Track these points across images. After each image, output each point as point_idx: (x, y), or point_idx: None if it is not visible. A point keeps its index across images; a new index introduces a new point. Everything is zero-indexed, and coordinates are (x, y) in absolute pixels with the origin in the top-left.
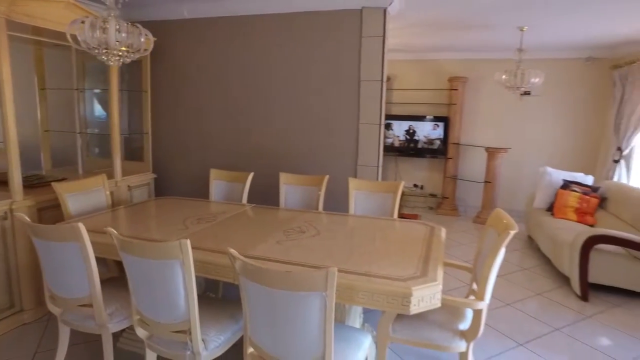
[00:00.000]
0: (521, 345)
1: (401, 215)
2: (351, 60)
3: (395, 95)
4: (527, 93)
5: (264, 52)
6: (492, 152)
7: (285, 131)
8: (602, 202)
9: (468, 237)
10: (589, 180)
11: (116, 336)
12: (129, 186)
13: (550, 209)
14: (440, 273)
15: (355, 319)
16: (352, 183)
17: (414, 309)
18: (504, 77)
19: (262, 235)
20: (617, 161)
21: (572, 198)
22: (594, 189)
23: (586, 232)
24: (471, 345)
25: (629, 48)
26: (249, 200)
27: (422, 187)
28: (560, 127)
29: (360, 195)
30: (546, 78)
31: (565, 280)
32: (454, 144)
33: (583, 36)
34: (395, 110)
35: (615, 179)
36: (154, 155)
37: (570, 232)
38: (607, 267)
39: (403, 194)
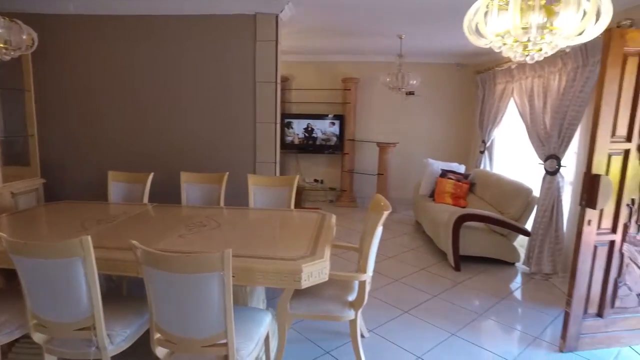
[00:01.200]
0: (406, 312)
1: (302, 209)
2: (247, 62)
3: (294, 95)
4: (411, 93)
5: (166, 53)
6: (382, 147)
7: (188, 131)
8: (472, 187)
9: (362, 225)
10: (461, 169)
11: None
12: (12, 193)
13: (432, 195)
14: (327, 252)
15: (259, 303)
16: (251, 179)
17: (305, 284)
18: (387, 79)
19: (164, 230)
20: (482, 152)
21: (448, 185)
22: (465, 176)
23: (456, 212)
24: (359, 313)
25: (488, 57)
26: (151, 201)
27: (322, 182)
28: (439, 123)
29: (259, 190)
30: (425, 81)
31: (443, 255)
32: (350, 140)
33: (452, 45)
34: (295, 109)
35: (482, 167)
36: (43, 159)
37: (446, 214)
38: (474, 240)
39: (304, 189)
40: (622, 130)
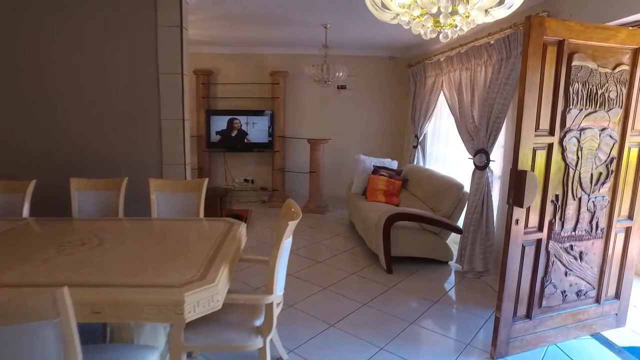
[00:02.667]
0: (332, 325)
1: (231, 212)
2: (148, 51)
3: (220, 90)
4: (342, 87)
5: (48, 39)
6: (313, 143)
7: (80, 131)
8: (405, 183)
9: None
10: (394, 165)
11: None
12: None
13: (365, 193)
14: (223, 273)
15: (155, 337)
16: (153, 184)
17: (190, 316)
18: (312, 70)
19: (27, 253)
20: (415, 147)
21: (380, 182)
22: (397, 172)
23: (386, 212)
24: (268, 340)
25: (418, 50)
26: (35, 213)
27: (252, 182)
28: (373, 118)
29: (163, 197)
30: (358, 74)
31: (375, 257)
32: (280, 137)
33: (382, 37)
34: (221, 105)
35: (415, 162)
36: None
37: (376, 214)
38: (406, 240)
39: (234, 190)
40: (545, 123)
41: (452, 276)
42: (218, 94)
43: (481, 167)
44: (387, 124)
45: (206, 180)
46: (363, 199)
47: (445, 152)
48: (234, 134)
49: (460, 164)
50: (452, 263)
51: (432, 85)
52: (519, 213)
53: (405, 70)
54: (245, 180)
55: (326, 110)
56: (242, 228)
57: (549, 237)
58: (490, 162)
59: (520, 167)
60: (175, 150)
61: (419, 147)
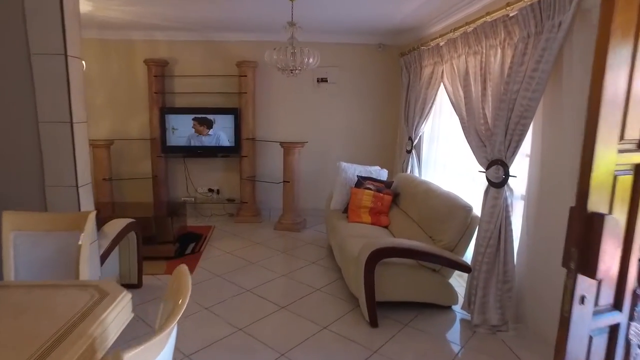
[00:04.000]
0: None
1: (185, 231)
2: (11, 20)
3: (178, 83)
4: (323, 80)
5: None
6: (287, 147)
7: None
8: (396, 198)
9: (261, 250)
10: (383, 174)
11: None
12: None
13: (347, 210)
14: None
15: None
16: (8, 220)
17: None
18: (274, 56)
19: None
20: (409, 151)
21: (366, 197)
22: (387, 184)
23: (370, 245)
24: None
25: (412, 34)
26: None
27: (218, 192)
28: (359, 117)
29: (24, 240)
30: (341, 64)
31: (356, 300)
32: (249, 139)
33: (367, 17)
34: (180, 102)
35: (409, 170)
36: None
37: (358, 244)
38: (395, 281)
39: (196, 202)
40: (635, 129)
41: (458, 329)
42: (175, 88)
43: (497, 184)
44: (375, 124)
45: (92, 214)
46: (344, 218)
47: (446, 160)
48: (195, 135)
49: (467, 176)
50: (457, 308)
51: (429, 76)
52: (586, 286)
53: (397, 60)
54: (210, 191)
55: (303, 107)
56: (121, 301)
57: (631, 318)
58: (510, 177)
59: (592, 206)
60: (63, 166)
61: (413, 152)
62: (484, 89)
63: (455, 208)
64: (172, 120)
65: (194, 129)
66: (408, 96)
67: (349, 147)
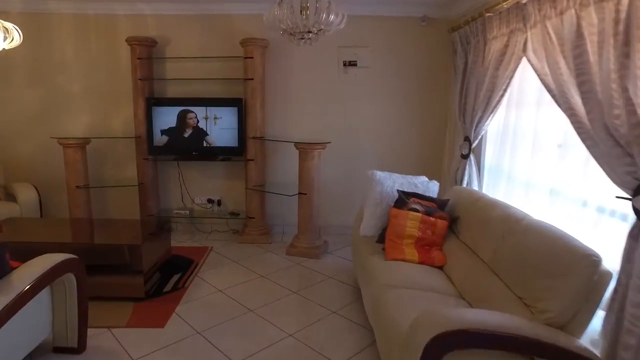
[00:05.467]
0: None
1: (167, 256)
2: None
3: (170, 69)
4: (351, 64)
5: None
6: (304, 150)
7: None
8: (453, 223)
9: (265, 288)
10: (434, 188)
11: None
12: None
13: (383, 238)
14: None
15: None
16: None
17: None
18: (276, 12)
19: None
20: (465, 156)
21: (411, 222)
22: (440, 203)
23: (431, 321)
24: None
25: (468, 2)
26: None
27: (219, 203)
28: (396, 111)
29: None
30: (374, 44)
31: None
32: (256, 138)
33: None
34: (172, 91)
35: (465, 182)
36: None
37: (406, 303)
38: None
39: (192, 216)
40: None
41: None
42: (167, 73)
43: None
44: (417, 120)
45: None
46: (379, 251)
47: (528, 173)
48: (187, 133)
49: (581, 203)
50: None
51: (500, 52)
52: None
53: (446, 37)
54: (209, 201)
55: (326, 98)
56: None
57: None
58: None
59: None
60: None
61: (471, 157)
62: (626, 56)
63: (572, 256)
64: (160, 113)
65: (187, 125)
66: (465, 82)
67: (384, 149)
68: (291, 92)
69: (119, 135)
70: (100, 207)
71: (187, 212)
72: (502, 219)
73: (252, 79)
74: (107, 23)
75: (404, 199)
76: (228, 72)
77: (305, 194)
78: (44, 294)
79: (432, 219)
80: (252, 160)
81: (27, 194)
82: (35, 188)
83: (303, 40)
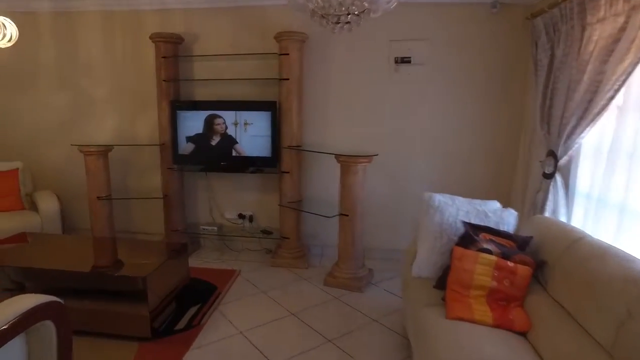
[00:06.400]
0: None
1: (186, 280)
2: None
3: (198, 68)
4: (404, 60)
5: None
6: (347, 163)
7: None
8: (539, 269)
9: (295, 332)
10: (509, 219)
11: None
12: None
13: (442, 283)
14: None
15: None
16: None
17: None
18: None
19: None
20: (549, 176)
21: (481, 269)
22: (521, 241)
23: None
24: None
25: None
26: None
27: (251, 219)
28: (458, 118)
29: None
30: (433, 36)
31: None
32: (292, 148)
33: None
34: (200, 93)
35: (549, 210)
36: None
37: None
38: None
39: (221, 233)
40: None
41: None
42: (195, 74)
43: None
44: (485, 129)
45: None
46: (438, 302)
47: None
48: (214, 141)
49: None
50: None
51: (611, 39)
52: None
53: (524, 26)
54: (241, 216)
55: (373, 102)
56: None
57: None
58: None
59: None
60: None
61: (557, 178)
62: None
63: None
64: (187, 118)
65: (214, 132)
66: (551, 81)
67: (442, 164)
68: (332, 94)
69: (144, 142)
70: (124, 219)
71: (215, 228)
72: (624, 280)
73: (288, 79)
74: (133, 20)
75: (471, 235)
76: (261, 71)
77: (347, 216)
78: (16, 344)
79: (510, 264)
80: (287, 172)
81: (48, 204)
82: (58, 197)
83: (339, 25)
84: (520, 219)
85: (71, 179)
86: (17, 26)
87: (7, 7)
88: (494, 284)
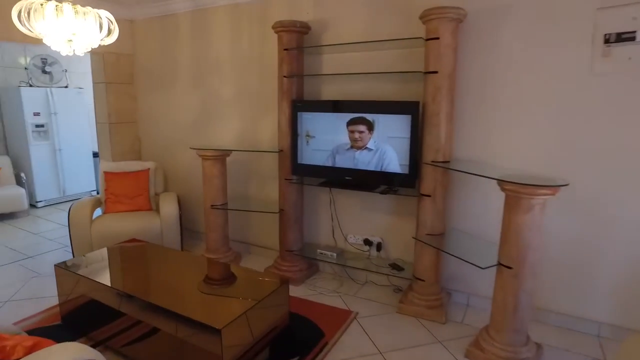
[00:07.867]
0: None
1: (288, 321)
2: None
3: (327, 61)
4: (625, 37)
5: None
6: (515, 195)
7: None
8: None
9: None
10: None
11: None
12: None
13: None
14: None
15: None
16: None
17: None
18: None
19: None
20: None
21: None
22: None
23: None
24: None
25: None
26: None
27: (379, 247)
28: None
29: None
30: None
31: None
32: (437, 164)
33: None
34: (327, 93)
35: None
36: None
37: None
38: None
39: (343, 253)
40: None
41: None
42: (323, 67)
43: None
44: None
45: None
46: None
47: None
48: (347, 151)
49: None
50: None
51: None
52: None
53: None
54: (367, 242)
55: (564, 105)
56: None
57: None
58: None
59: None
60: None
61: None
62: None
63: None
64: (309, 121)
65: (353, 140)
66: None
67: None
68: (499, 93)
69: (265, 148)
70: (241, 226)
71: (335, 254)
72: None
73: (436, 72)
74: (260, 10)
75: None
76: (400, 63)
77: (511, 269)
78: None
79: None
80: (428, 196)
81: (168, 207)
82: (180, 200)
83: None
84: None
85: (194, 182)
86: (160, 29)
87: (150, 13)
88: None
